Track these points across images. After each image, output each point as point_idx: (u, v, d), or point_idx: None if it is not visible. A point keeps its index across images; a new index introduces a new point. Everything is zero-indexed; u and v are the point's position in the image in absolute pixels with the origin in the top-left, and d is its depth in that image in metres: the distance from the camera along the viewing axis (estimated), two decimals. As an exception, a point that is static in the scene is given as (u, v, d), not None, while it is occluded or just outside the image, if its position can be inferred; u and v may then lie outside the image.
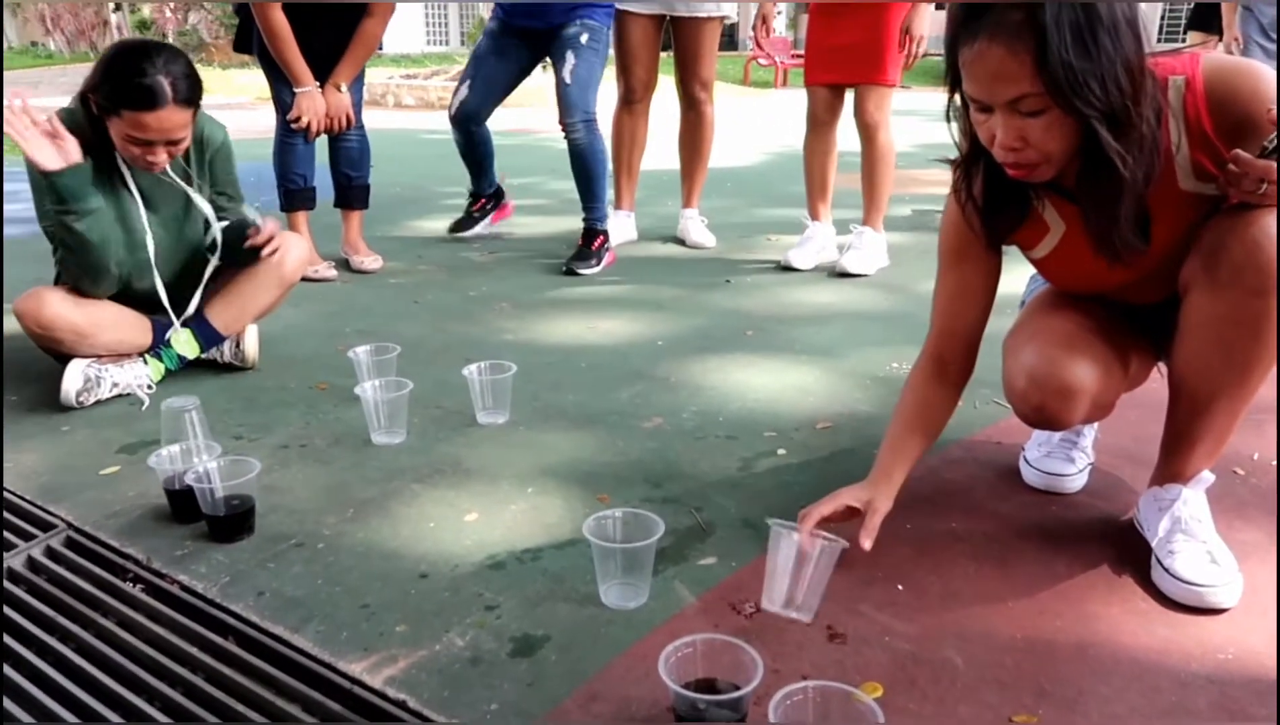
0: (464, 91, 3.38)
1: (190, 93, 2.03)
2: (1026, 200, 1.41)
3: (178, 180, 2.17)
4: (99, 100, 2.01)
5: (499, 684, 1.20)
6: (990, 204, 1.41)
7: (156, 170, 2.10)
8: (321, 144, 3.28)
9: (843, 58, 3.12)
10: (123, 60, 1.99)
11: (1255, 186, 1.18)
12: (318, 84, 3.10)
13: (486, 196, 3.82)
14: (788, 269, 3.31)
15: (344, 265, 3.41)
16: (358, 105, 3.28)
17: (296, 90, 3.09)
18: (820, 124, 3.26)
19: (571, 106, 3.18)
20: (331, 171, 3.38)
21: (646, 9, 3.46)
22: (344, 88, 3.14)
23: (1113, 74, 1.16)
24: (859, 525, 1.38)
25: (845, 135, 3.26)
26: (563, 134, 3.25)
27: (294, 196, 3.31)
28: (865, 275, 3.21)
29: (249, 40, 3.19)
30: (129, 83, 1.96)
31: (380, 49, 3.34)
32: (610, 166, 3.36)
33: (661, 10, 3.47)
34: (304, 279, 3.16)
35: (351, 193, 3.41)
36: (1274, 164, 1.16)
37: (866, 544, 1.36)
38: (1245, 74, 1.25)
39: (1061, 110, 1.18)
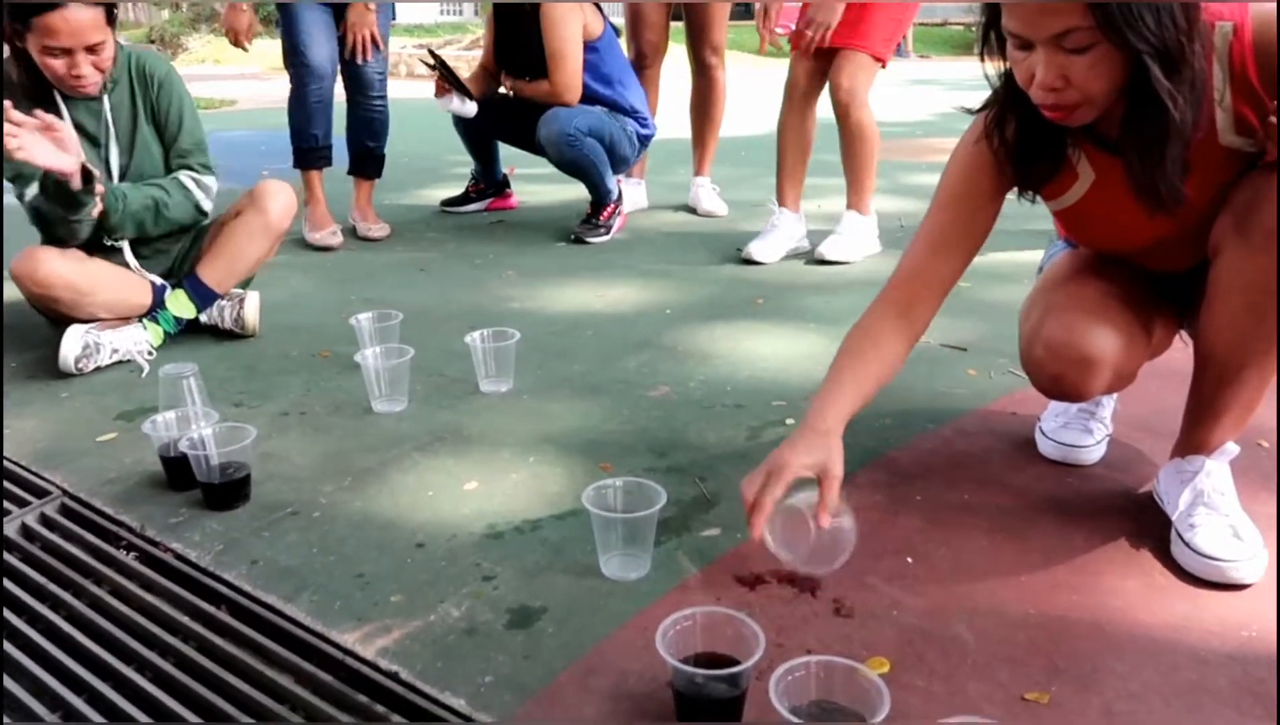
0: (459, 105, 3.32)
1: None
2: (1062, 148, 1.32)
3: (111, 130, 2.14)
4: (12, 26, 1.98)
5: (494, 656, 1.17)
6: (1024, 151, 1.32)
7: (87, 86, 2.04)
8: (339, 110, 3.21)
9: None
10: None
11: None
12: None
13: (487, 185, 3.78)
14: (749, 262, 2.99)
15: (350, 232, 3.36)
16: (384, 73, 3.21)
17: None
18: (798, 94, 2.93)
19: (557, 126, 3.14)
20: (348, 138, 3.30)
21: (657, -29, 3.38)
22: (371, 7, 3.05)
23: (1168, 7, 1.09)
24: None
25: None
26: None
27: (307, 155, 3.22)
28: (847, 262, 2.96)
29: None
30: None
31: (394, 18, 3.27)
32: (606, 157, 3.24)
33: (672, -27, 3.40)
34: (312, 246, 3.13)
35: (368, 161, 3.34)
36: None
37: (826, 522, 1.22)
38: None
39: (1112, 45, 1.10)
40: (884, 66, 2.88)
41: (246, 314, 2.31)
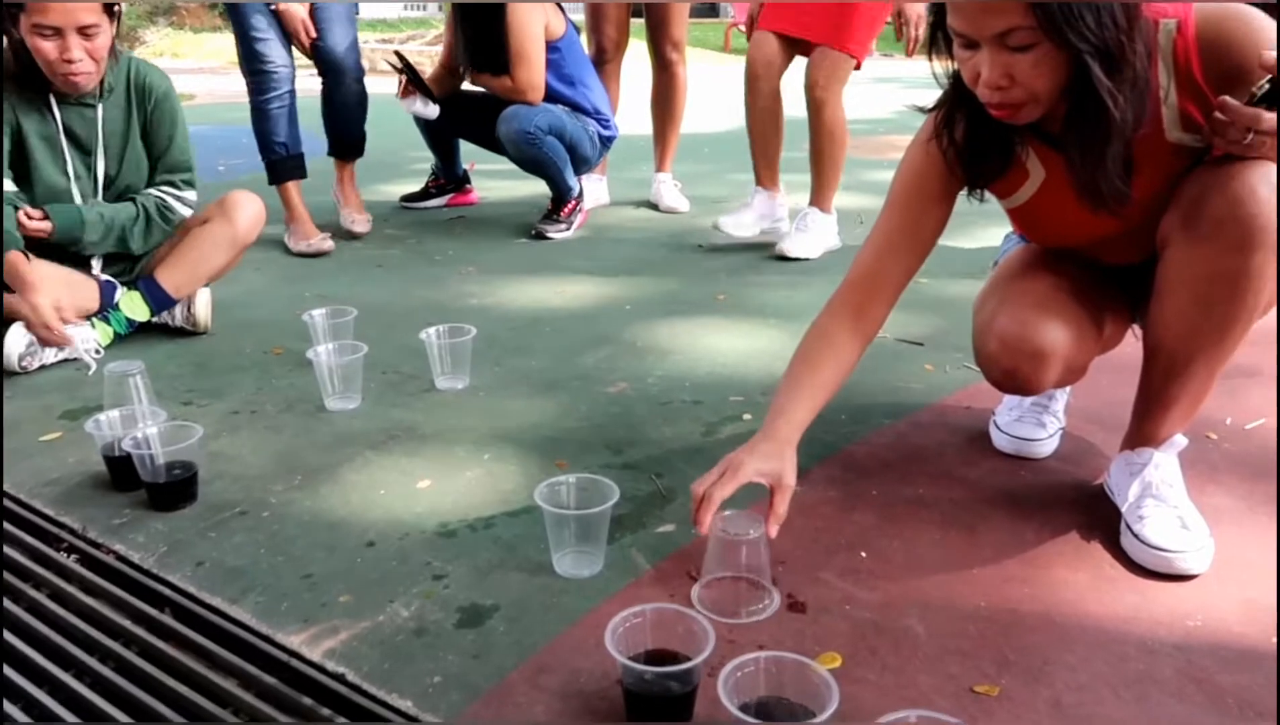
0: (421, 108, 3.28)
1: None
2: (1010, 146, 1.34)
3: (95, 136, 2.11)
4: (7, 8, 1.94)
5: (444, 656, 1.15)
6: (973, 150, 1.34)
7: (78, 77, 2.00)
8: (305, 106, 3.12)
9: (808, 13, 2.76)
10: None
11: (1241, 135, 1.12)
12: None
13: (448, 180, 3.74)
14: (724, 252, 3.03)
15: (336, 231, 3.21)
16: (358, 52, 3.11)
17: (273, 5, 2.92)
18: (756, 81, 2.88)
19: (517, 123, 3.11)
20: (325, 123, 3.18)
21: (616, -34, 3.37)
22: None
23: (1108, 7, 1.10)
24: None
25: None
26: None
27: (279, 168, 3.10)
28: (808, 259, 2.95)
29: None
30: None
31: (356, 10, 3.18)
32: (566, 155, 3.22)
33: (630, -32, 3.38)
34: (300, 254, 3.05)
35: (348, 143, 3.23)
36: (1262, 112, 1.10)
37: (774, 531, 1.24)
38: (1239, 18, 1.18)
39: (1053, 44, 1.11)
40: (858, 68, 2.88)
41: (197, 311, 2.27)
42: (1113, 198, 1.23)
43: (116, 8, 2.02)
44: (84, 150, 2.13)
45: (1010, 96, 1.18)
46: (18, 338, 2.01)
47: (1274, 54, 1.09)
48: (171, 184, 2.24)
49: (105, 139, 2.14)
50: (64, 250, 2.13)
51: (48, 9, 1.91)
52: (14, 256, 1.98)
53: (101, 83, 2.09)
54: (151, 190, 2.23)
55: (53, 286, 2.05)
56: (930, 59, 1.28)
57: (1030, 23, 1.10)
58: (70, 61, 1.96)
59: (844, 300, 1.42)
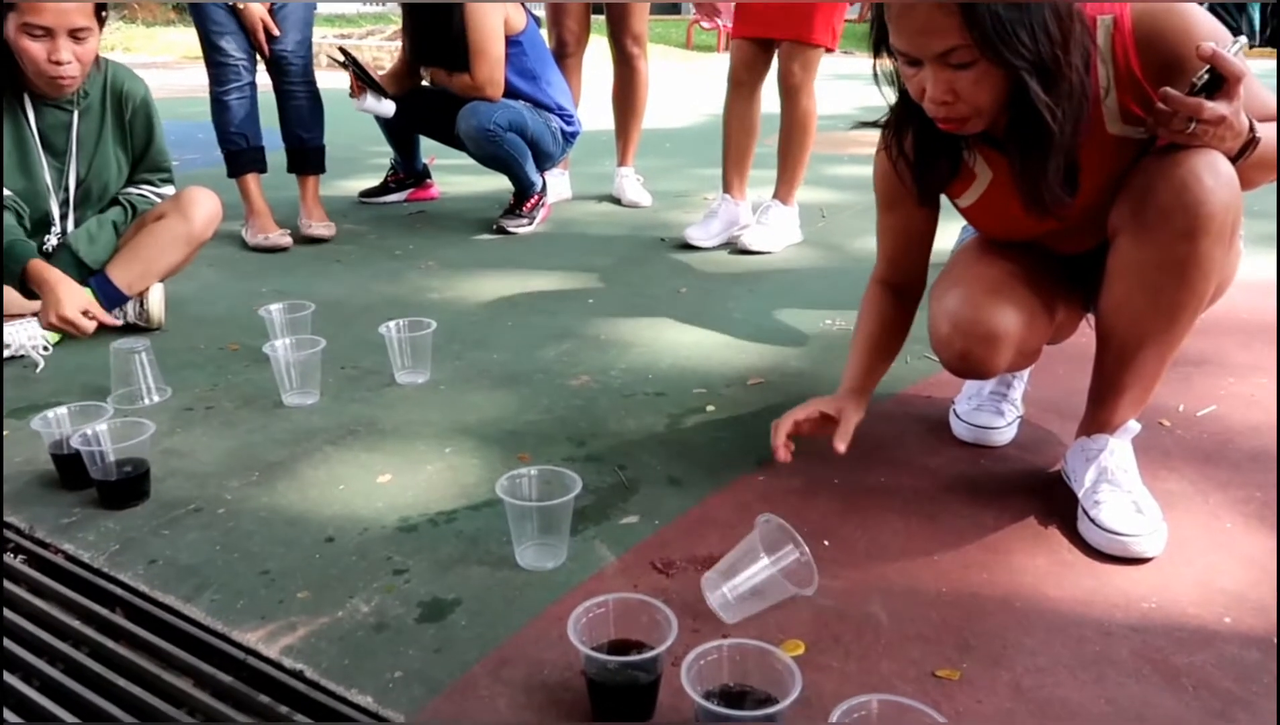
0: (374, 104, 3.21)
1: None
2: (958, 153, 1.38)
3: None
4: None
5: (404, 651, 1.13)
6: (922, 160, 1.38)
7: (65, 80, 1.97)
8: (268, 103, 3.04)
9: (771, 11, 2.78)
10: None
11: (1184, 125, 1.14)
12: None
13: (408, 175, 3.70)
14: (687, 247, 3.00)
15: (295, 234, 3.11)
16: (307, 59, 3.05)
17: (232, 3, 2.86)
18: (739, 84, 2.90)
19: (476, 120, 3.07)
20: (282, 133, 3.10)
21: (576, -42, 3.35)
22: None
23: (1041, 22, 1.12)
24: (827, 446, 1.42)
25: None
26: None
27: (237, 159, 3.02)
28: (769, 252, 2.92)
29: None
30: None
31: (314, 6, 3.11)
32: (527, 151, 3.18)
33: (591, -38, 3.37)
34: (257, 248, 2.99)
35: (304, 155, 3.13)
36: (1204, 101, 1.12)
37: (841, 447, 1.41)
38: (1174, 11, 1.21)
39: (990, 62, 1.14)
40: (831, 50, 2.89)
41: (151, 306, 2.22)
42: (1054, 205, 1.26)
43: (104, 13, 1.99)
44: (57, 153, 2.10)
45: (955, 111, 1.21)
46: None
47: (1210, 45, 1.11)
48: (150, 182, 2.27)
49: (79, 142, 2.12)
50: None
51: (41, 9, 1.87)
52: (36, 264, 2.00)
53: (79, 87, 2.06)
54: (132, 188, 2.25)
55: (71, 284, 2.03)
56: (875, 76, 1.31)
57: (968, 41, 1.13)
58: (59, 64, 1.93)
59: (879, 279, 1.57)
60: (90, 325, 1.99)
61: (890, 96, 1.35)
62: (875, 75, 1.31)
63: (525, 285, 2.64)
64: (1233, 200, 1.22)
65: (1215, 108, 1.12)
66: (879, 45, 1.26)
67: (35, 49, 1.91)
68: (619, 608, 1.06)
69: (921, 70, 1.19)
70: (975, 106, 1.20)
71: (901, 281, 1.55)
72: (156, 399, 1.66)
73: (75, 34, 1.92)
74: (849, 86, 6.98)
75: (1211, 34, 1.17)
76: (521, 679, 1.08)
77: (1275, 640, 1.14)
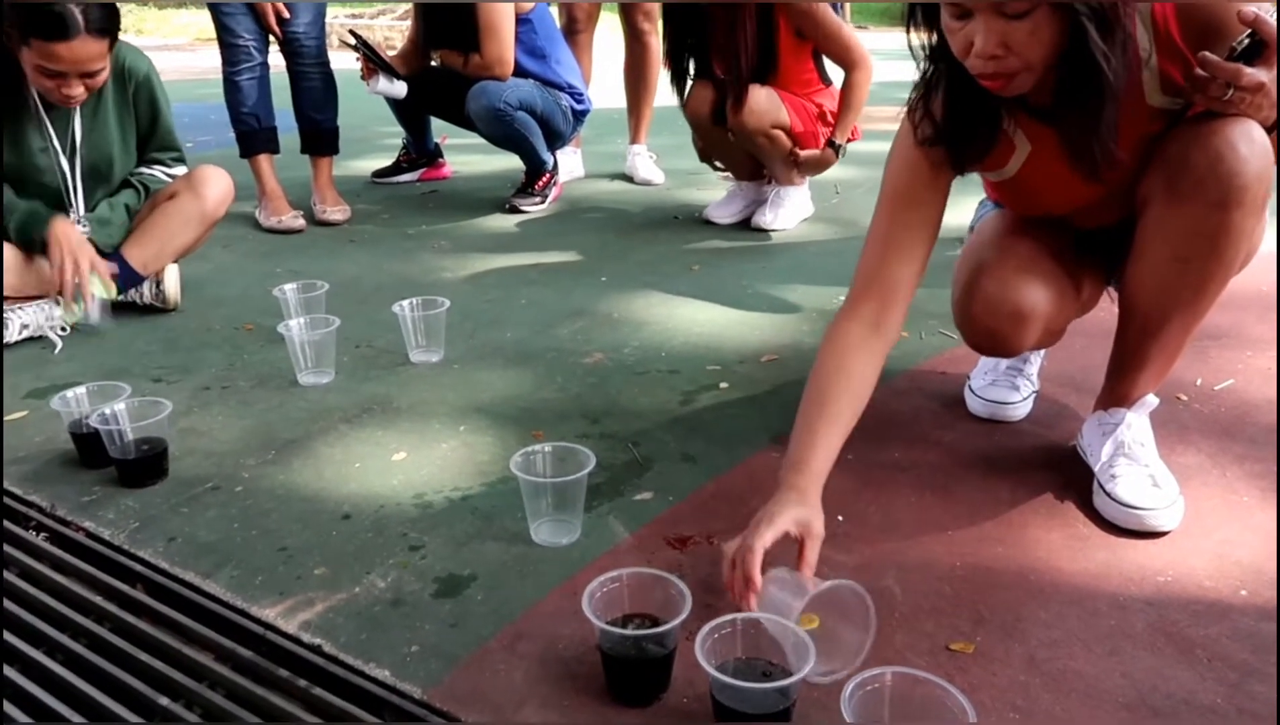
0: (386, 86, 3.20)
1: (105, 22, 1.93)
2: (997, 120, 1.30)
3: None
4: (8, 30, 1.90)
5: (421, 625, 1.15)
6: (958, 130, 1.29)
7: (73, 104, 1.99)
8: (280, 83, 3.04)
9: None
10: None
11: (1222, 91, 1.11)
12: None
13: (419, 154, 3.70)
14: (701, 224, 3.04)
15: (309, 216, 3.12)
16: (320, 41, 3.04)
17: None
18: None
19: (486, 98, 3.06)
20: (295, 115, 3.09)
21: (586, -66, 3.33)
22: None
23: None
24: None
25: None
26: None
27: (249, 139, 3.02)
28: (783, 230, 2.93)
29: None
30: (38, 9, 1.84)
31: None
32: (538, 129, 3.17)
33: (601, -63, 3.34)
34: (271, 230, 3.00)
35: (317, 137, 3.12)
36: (1242, 67, 1.09)
37: (810, 581, 1.08)
38: None
39: (1050, 8, 1.09)
40: None
41: (167, 287, 2.24)
42: (1106, 162, 1.21)
43: (117, 38, 2.00)
44: (61, 128, 2.11)
45: (1005, 66, 1.15)
46: (-19, 318, 1.97)
47: (1253, 9, 1.08)
48: (161, 162, 2.27)
49: (83, 121, 2.13)
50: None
51: (58, 59, 1.89)
52: (59, 225, 2.04)
53: None
54: (143, 168, 2.26)
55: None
56: (908, 31, 1.24)
57: None
58: (69, 96, 1.96)
59: (857, 311, 1.32)
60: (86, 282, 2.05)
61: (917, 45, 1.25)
62: (908, 26, 1.23)
63: (538, 263, 2.64)
64: (1267, 171, 1.19)
65: (1254, 74, 1.09)
66: (915, 4, 1.20)
67: (48, 84, 1.94)
68: (633, 582, 1.06)
69: (970, 22, 1.13)
70: (1026, 61, 1.14)
71: (887, 310, 1.31)
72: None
73: (87, 74, 1.94)
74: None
75: None
76: (537, 653, 1.09)
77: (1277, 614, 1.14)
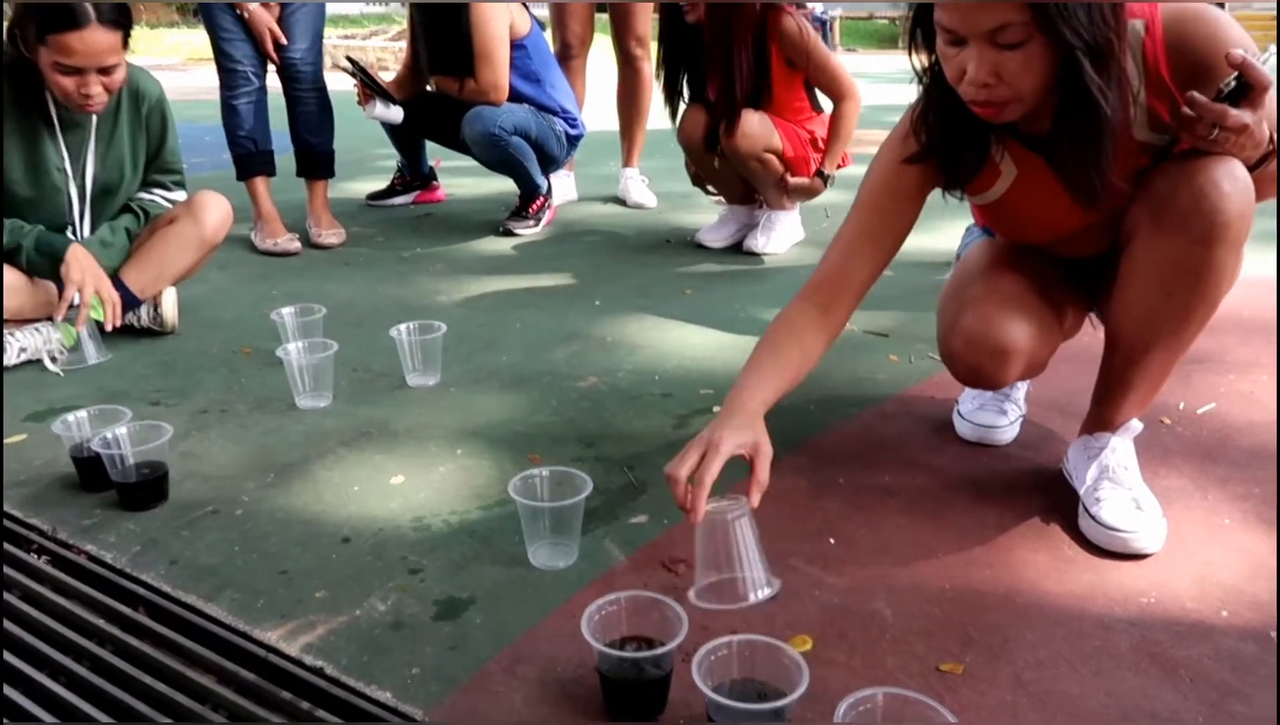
0: (383, 112, 3.23)
1: (116, 15, 1.98)
2: (986, 145, 1.34)
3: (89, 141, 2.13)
4: (25, 34, 1.95)
5: (421, 648, 1.16)
6: (949, 149, 1.33)
7: (93, 107, 2.01)
8: (276, 105, 3.08)
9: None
10: None
11: (1208, 131, 1.14)
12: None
13: (414, 177, 3.73)
14: (693, 247, 3.08)
15: (304, 239, 3.15)
16: (317, 65, 3.08)
17: (241, 12, 2.89)
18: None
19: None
20: (291, 137, 3.12)
21: (579, -39, 3.38)
22: (270, 4, 2.92)
23: (1098, 5, 1.12)
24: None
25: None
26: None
27: (246, 162, 3.06)
28: (774, 253, 2.97)
29: None
30: (51, 4, 1.90)
31: (323, 13, 3.12)
32: (532, 153, 3.21)
33: (592, -36, 3.40)
34: (266, 252, 3.02)
35: (312, 160, 3.15)
36: (1228, 108, 1.12)
37: (756, 499, 1.17)
38: (1204, 18, 1.22)
39: (1045, 41, 1.12)
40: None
41: (165, 311, 2.26)
42: (1103, 193, 1.24)
43: (129, 36, 2.04)
44: (75, 150, 2.15)
45: (996, 94, 1.18)
46: (-21, 341, 1.99)
47: (1240, 52, 1.11)
48: (162, 185, 2.31)
49: (97, 141, 2.16)
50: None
51: (73, 51, 1.92)
52: (77, 248, 2.08)
53: None
54: (144, 193, 2.29)
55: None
56: (910, 54, 1.28)
57: (1024, 19, 1.10)
58: (89, 96, 1.99)
59: (810, 297, 1.40)
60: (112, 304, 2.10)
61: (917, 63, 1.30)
62: (910, 49, 1.27)
63: (532, 287, 2.67)
64: (1248, 209, 1.23)
65: (1239, 115, 1.12)
66: (916, 27, 1.23)
67: (66, 82, 1.97)
68: (631, 605, 1.09)
69: (964, 50, 1.16)
70: (1017, 91, 1.17)
71: (840, 302, 1.39)
72: (98, 360, 1.98)
73: (104, 69, 1.98)
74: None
75: (1241, 42, 1.17)
76: (536, 675, 1.11)
77: (1274, 634, 1.17)
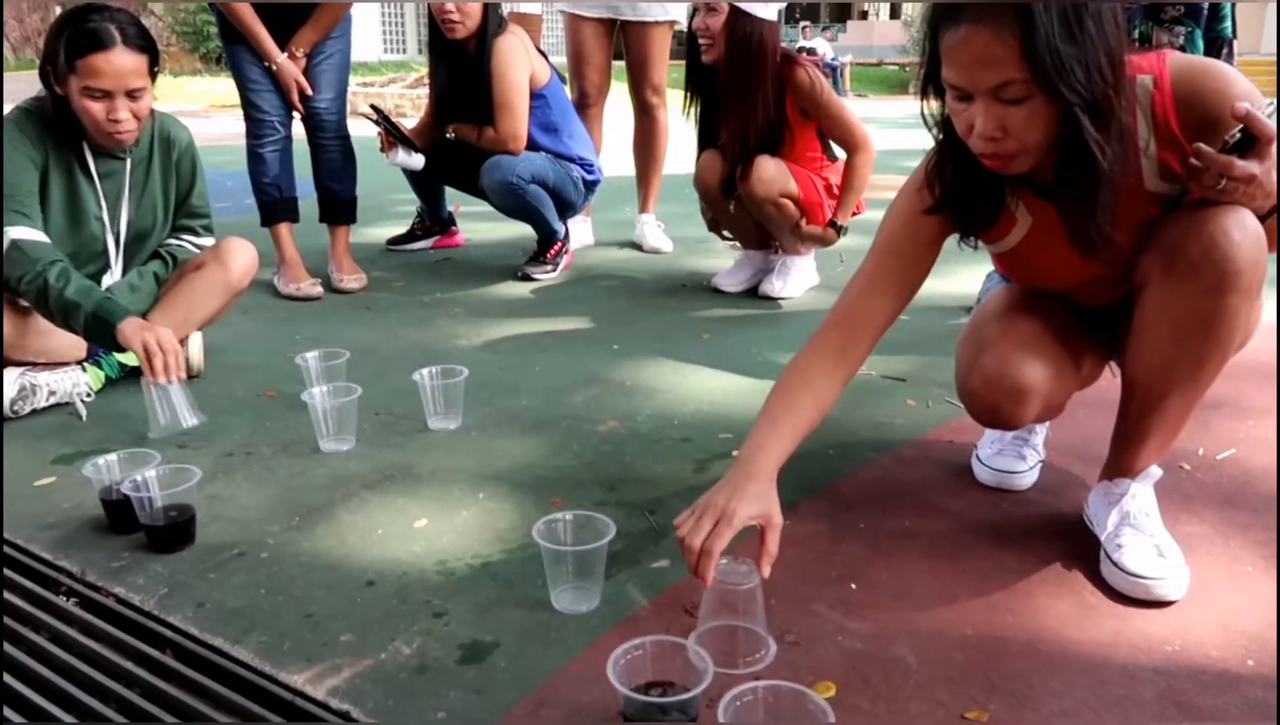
0: (405, 159, 3.29)
1: (141, 40, 2.04)
2: (1000, 195, 1.38)
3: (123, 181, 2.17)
4: (55, 67, 2.01)
5: (446, 692, 1.17)
6: (964, 199, 1.37)
7: (123, 135, 2.06)
8: (301, 153, 3.14)
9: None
10: (70, 16, 2.02)
11: (1215, 181, 1.17)
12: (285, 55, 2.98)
13: (433, 223, 3.79)
14: (709, 292, 3.13)
15: (326, 283, 3.19)
16: (341, 114, 3.15)
17: (269, 65, 2.97)
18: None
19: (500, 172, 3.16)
20: (315, 184, 3.18)
21: (594, 12, 3.46)
22: (300, 53, 2.98)
23: (1096, 61, 1.15)
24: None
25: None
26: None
27: (270, 209, 3.12)
28: (790, 298, 3.01)
29: (232, 31, 3.00)
30: (78, 30, 1.98)
31: (348, 65, 3.20)
32: (550, 201, 3.26)
33: (609, 15, 3.48)
34: (289, 297, 3.07)
35: (335, 206, 3.21)
36: (1234, 159, 1.15)
37: (767, 570, 1.21)
38: (1212, 73, 1.25)
39: (1045, 97, 1.16)
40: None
41: (191, 354, 2.29)
42: (1102, 244, 1.28)
43: (156, 69, 2.10)
44: (112, 198, 2.21)
45: (1003, 148, 1.22)
46: (9, 384, 2.02)
47: (1245, 104, 1.14)
48: (192, 230, 2.37)
49: (131, 187, 2.22)
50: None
51: (100, 73, 1.98)
52: (135, 319, 2.00)
53: None
54: (172, 239, 2.35)
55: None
56: (922, 110, 1.33)
57: (1025, 76, 1.15)
58: (117, 121, 2.04)
59: (825, 340, 1.43)
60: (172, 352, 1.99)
61: (929, 115, 1.34)
62: (923, 96, 1.31)
63: (550, 331, 2.70)
64: (1260, 257, 1.25)
65: (1246, 166, 1.15)
66: (927, 82, 1.28)
67: (95, 108, 2.02)
68: (656, 650, 1.09)
69: (971, 105, 1.21)
70: (1023, 144, 1.21)
71: (856, 344, 1.42)
72: (194, 422, 1.90)
73: (132, 93, 2.03)
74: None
75: (1247, 95, 1.20)
76: (561, 719, 1.12)
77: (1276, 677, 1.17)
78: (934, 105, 1.31)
